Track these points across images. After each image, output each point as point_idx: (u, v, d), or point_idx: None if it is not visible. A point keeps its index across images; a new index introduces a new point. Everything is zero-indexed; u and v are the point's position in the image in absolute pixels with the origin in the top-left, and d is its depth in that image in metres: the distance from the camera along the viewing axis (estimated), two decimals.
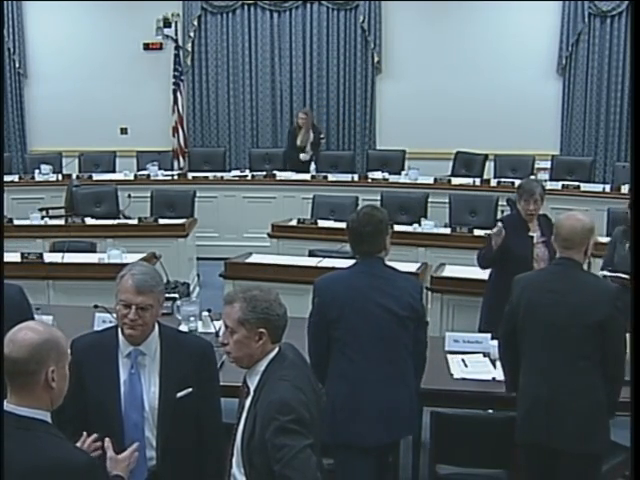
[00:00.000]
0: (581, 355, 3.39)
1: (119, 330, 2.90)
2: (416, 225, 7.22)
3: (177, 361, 2.86)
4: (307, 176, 9.10)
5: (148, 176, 9.16)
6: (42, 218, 7.74)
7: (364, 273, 3.62)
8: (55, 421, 2.22)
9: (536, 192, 5.05)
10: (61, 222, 7.70)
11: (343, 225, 7.21)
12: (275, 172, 9.21)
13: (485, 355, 4.44)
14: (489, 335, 4.59)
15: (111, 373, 2.85)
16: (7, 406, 2.17)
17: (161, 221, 7.62)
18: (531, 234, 5.06)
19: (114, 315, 4.51)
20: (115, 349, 2.88)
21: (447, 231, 7.19)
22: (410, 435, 3.85)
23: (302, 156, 9.58)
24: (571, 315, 3.40)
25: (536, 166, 9.42)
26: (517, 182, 8.60)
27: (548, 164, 9.39)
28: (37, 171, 9.12)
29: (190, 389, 2.84)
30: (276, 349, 2.66)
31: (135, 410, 2.83)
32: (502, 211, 7.75)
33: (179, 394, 2.82)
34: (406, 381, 3.61)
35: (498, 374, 4.23)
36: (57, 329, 2.26)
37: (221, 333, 2.76)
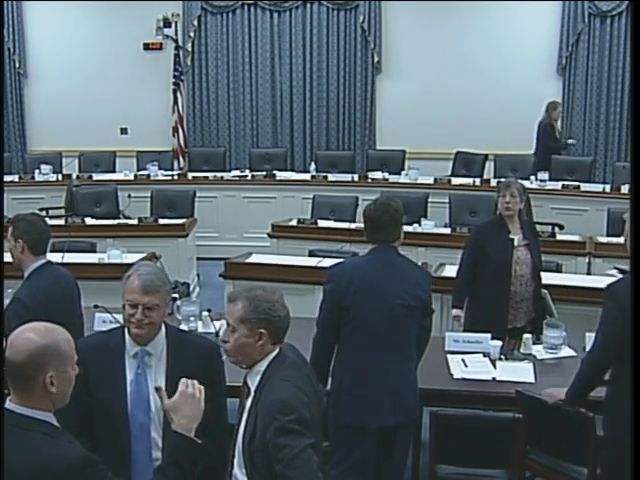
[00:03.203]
0: None
1: (125, 330, 2.89)
2: (416, 225, 7.21)
3: (183, 361, 2.85)
4: (307, 176, 9.12)
5: (148, 176, 9.16)
6: None
7: (379, 261, 3.71)
8: (60, 422, 2.23)
9: (512, 185, 5.03)
10: (61, 222, 7.70)
11: (343, 225, 7.30)
12: (275, 172, 9.21)
13: (485, 355, 4.44)
14: (489, 335, 4.59)
15: (117, 373, 2.85)
16: (9, 404, 2.18)
17: (161, 221, 7.62)
18: (512, 237, 5.02)
19: (114, 315, 4.53)
20: (121, 349, 2.88)
21: (447, 231, 7.18)
22: (413, 417, 3.83)
23: (570, 141, 9.79)
24: None
25: None
26: None
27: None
28: (37, 171, 9.12)
29: None
30: (276, 350, 2.65)
31: (141, 411, 2.83)
32: None
33: None
34: (410, 366, 3.73)
35: (498, 374, 4.24)
36: (62, 330, 2.25)
37: (222, 331, 2.76)
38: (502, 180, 5.58)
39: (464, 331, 4.97)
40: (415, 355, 3.77)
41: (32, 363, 2.14)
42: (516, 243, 5.00)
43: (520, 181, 5.46)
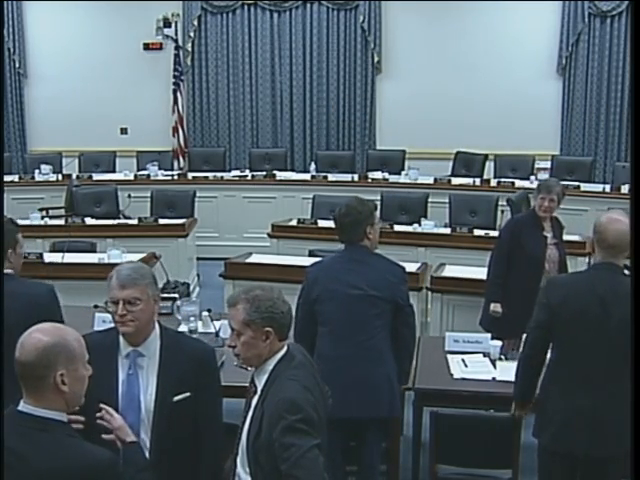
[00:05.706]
0: (626, 361, 3.14)
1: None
2: (416, 225, 7.22)
3: (176, 364, 2.83)
4: (307, 176, 9.12)
5: (148, 176, 9.17)
6: (42, 218, 7.75)
7: (343, 258, 3.91)
8: None
9: (553, 190, 5.08)
10: (61, 222, 7.71)
11: None
12: (275, 172, 9.21)
13: (485, 355, 4.45)
14: (489, 335, 4.60)
15: (110, 373, 2.84)
16: (24, 406, 2.19)
17: (161, 221, 7.62)
18: (545, 234, 5.07)
19: None
20: (115, 349, 2.87)
21: (447, 231, 7.19)
22: (389, 415, 3.83)
23: None
24: (619, 321, 3.19)
25: (536, 166, 9.42)
26: (517, 182, 8.71)
27: (548, 164, 9.39)
28: (37, 171, 9.13)
29: (187, 394, 2.80)
30: (284, 348, 2.66)
31: (132, 411, 2.81)
32: (502, 211, 7.76)
33: (176, 398, 2.79)
34: (382, 361, 3.77)
35: (498, 374, 4.23)
36: (72, 330, 2.27)
37: (222, 334, 2.75)
38: (544, 179, 5.50)
39: (481, 322, 5.06)
40: (388, 351, 3.78)
41: (41, 361, 2.15)
42: (548, 241, 5.08)
43: (557, 180, 5.49)
